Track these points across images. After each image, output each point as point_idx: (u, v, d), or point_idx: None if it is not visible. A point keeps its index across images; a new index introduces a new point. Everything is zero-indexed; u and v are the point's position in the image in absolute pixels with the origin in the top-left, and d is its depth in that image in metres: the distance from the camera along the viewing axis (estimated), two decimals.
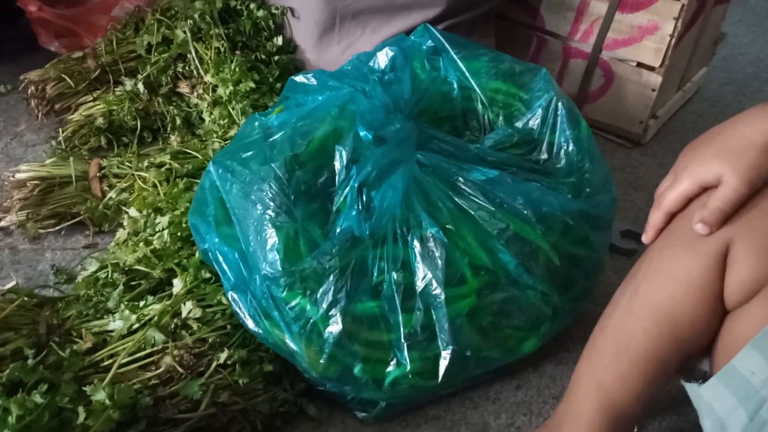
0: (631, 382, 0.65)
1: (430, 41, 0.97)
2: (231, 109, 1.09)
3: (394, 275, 0.78)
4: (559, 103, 0.91)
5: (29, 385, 0.66)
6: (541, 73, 0.95)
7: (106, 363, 0.73)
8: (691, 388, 0.63)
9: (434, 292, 0.77)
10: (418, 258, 0.78)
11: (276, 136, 0.84)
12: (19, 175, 1.03)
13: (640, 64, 1.20)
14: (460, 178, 0.82)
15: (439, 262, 0.78)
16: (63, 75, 1.20)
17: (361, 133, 0.76)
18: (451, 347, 0.77)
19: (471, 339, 0.78)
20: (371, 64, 0.96)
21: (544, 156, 0.91)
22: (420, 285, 0.77)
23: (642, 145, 1.31)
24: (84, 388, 0.67)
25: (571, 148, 0.90)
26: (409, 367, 0.76)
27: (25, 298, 0.80)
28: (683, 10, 1.13)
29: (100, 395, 0.66)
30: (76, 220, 1.01)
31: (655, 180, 1.26)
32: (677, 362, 0.65)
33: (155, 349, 0.73)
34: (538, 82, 0.95)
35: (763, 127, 0.59)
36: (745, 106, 1.50)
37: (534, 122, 0.93)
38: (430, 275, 0.78)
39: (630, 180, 1.23)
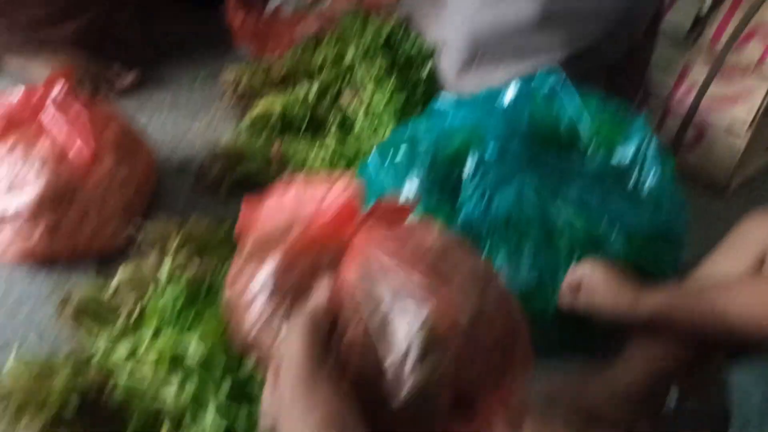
0: None
1: (548, 83, 1.21)
2: (383, 119, 1.38)
3: None
4: (651, 144, 1.13)
5: None
6: (640, 118, 1.17)
7: None
8: None
9: None
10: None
11: (422, 142, 1.12)
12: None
13: (729, 127, 1.40)
14: (561, 191, 1.06)
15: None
16: (253, 78, 1.53)
17: (487, 150, 1.01)
18: None
19: None
20: (500, 97, 1.22)
21: (632, 186, 1.14)
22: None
23: (725, 197, 1.49)
24: None
25: (655, 183, 1.12)
26: None
27: None
28: None
29: None
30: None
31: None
32: None
33: None
34: (637, 125, 1.17)
35: None
36: None
37: (627, 157, 1.15)
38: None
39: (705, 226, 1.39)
